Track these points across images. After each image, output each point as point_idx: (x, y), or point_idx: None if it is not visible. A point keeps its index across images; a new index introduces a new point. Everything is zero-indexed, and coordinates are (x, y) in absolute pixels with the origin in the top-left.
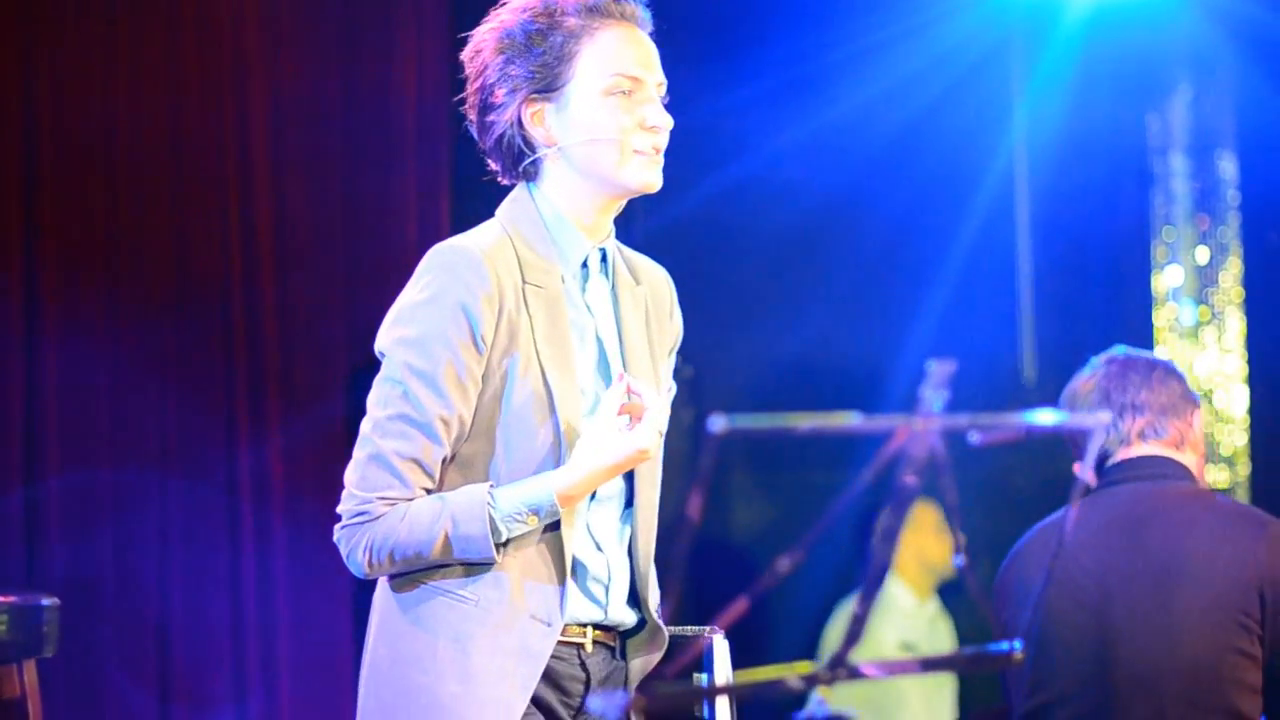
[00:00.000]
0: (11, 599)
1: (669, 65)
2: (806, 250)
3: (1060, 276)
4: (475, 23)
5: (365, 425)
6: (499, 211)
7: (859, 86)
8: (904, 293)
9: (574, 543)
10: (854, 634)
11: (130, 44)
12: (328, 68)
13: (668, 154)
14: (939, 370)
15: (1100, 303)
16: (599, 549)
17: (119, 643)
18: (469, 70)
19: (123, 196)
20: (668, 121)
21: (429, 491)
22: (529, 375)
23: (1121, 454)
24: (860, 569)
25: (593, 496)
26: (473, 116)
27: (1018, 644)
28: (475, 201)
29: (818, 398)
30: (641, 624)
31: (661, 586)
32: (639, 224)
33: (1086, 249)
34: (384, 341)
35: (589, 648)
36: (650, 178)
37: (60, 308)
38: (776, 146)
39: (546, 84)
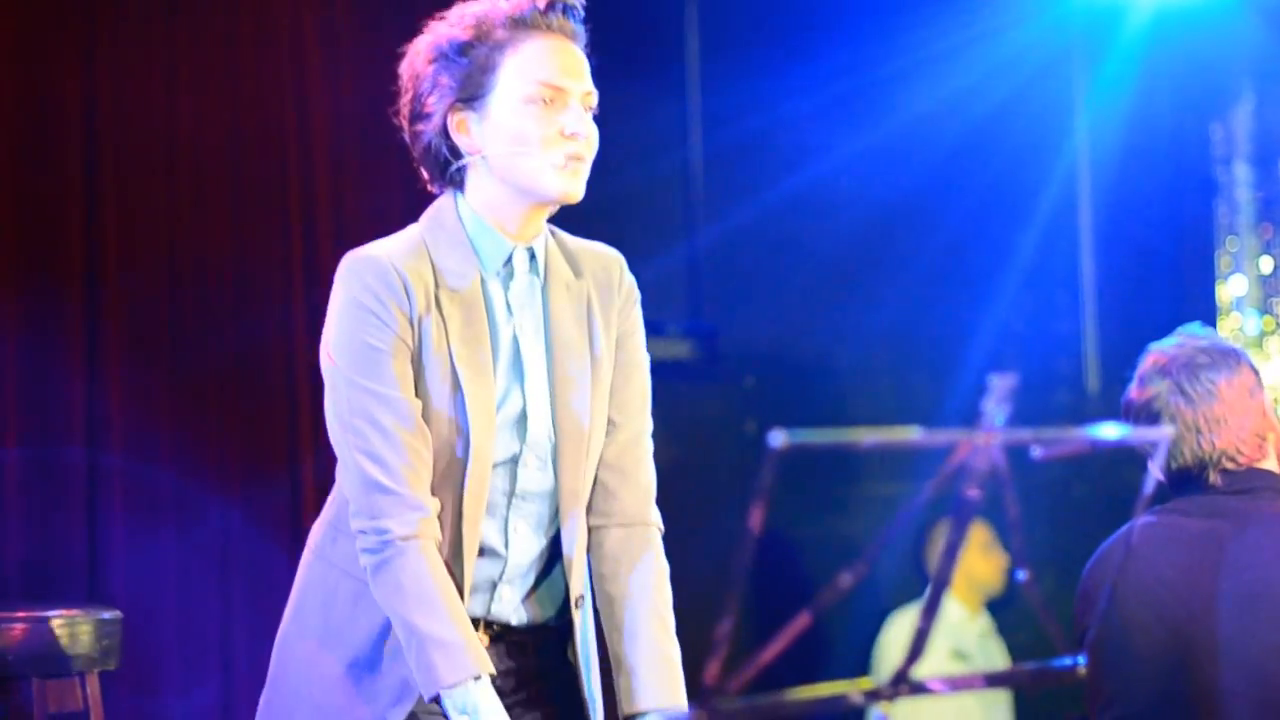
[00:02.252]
0: (74, 612)
1: (732, 76)
2: (867, 260)
3: (1123, 287)
4: None
5: (337, 441)
6: (422, 218)
7: (921, 95)
8: (965, 302)
9: (485, 533)
10: (917, 649)
11: (190, 47)
12: (389, 69)
13: (729, 161)
14: (1001, 384)
15: (1163, 313)
16: (505, 545)
17: (181, 655)
18: (403, 81)
19: (184, 201)
20: (589, 130)
21: (425, 489)
22: (441, 374)
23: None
24: (911, 582)
25: (513, 491)
26: (405, 125)
27: (1081, 659)
28: None
29: (878, 409)
30: (558, 621)
31: (722, 602)
32: (701, 233)
33: (1150, 259)
34: (323, 357)
35: (484, 642)
36: (568, 187)
37: (121, 315)
38: (838, 156)
39: (471, 93)
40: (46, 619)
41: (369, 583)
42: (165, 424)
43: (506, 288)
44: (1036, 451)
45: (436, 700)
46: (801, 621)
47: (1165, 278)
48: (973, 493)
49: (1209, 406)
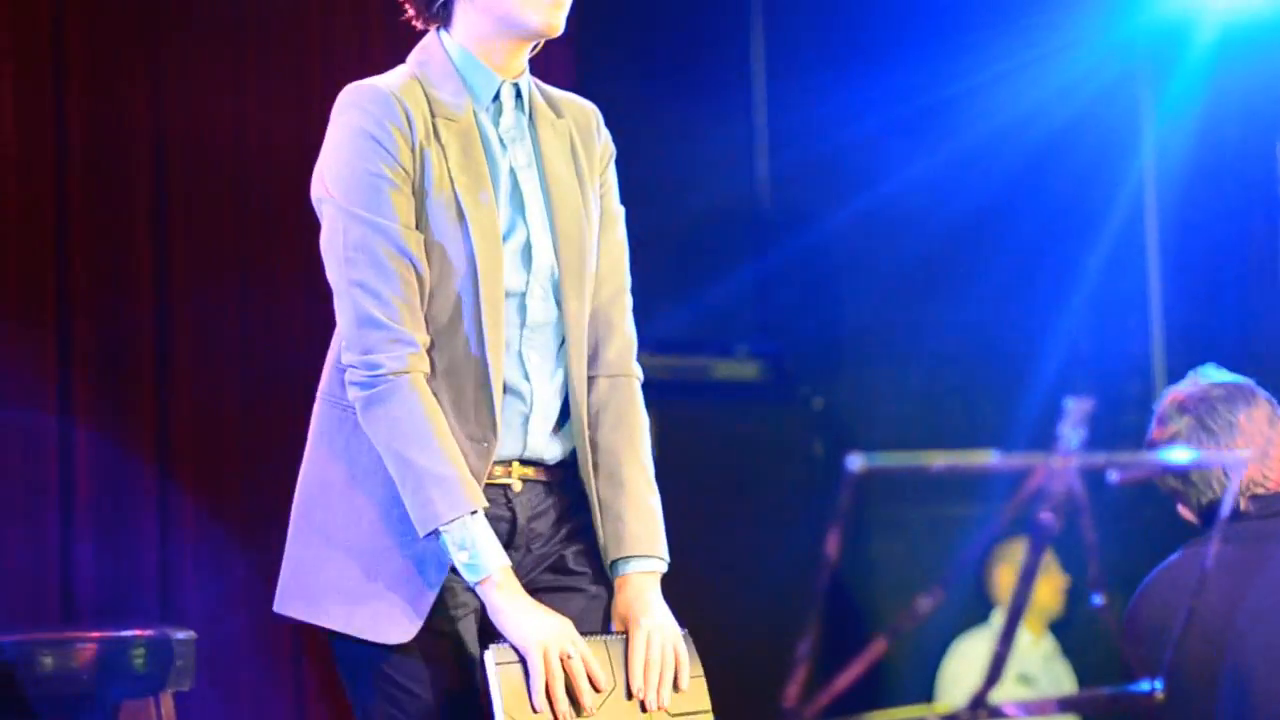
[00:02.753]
0: (148, 632)
1: (798, 96)
2: (934, 280)
3: (1191, 306)
4: (601, 57)
5: (332, 275)
6: (409, 57)
7: (988, 114)
8: (1033, 323)
9: (504, 369)
10: (995, 674)
11: (258, 53)
12: None
13: (796, 182)
14: (1077, 408)
15: (1232, 332)
16: (526, 378)
17: (254, 674)
18: None
19: (252, 206)
20: None
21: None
22: (444, 201)
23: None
24: (971, 606)
25: (523, 322)
26: None
27: (1159, 684)
28: None
29: (946, 430)
30: (574, 456)
31: (801, 625)
32: (769, 253)
33: (1218, 278)
34: (317, 189)
35: (517, 487)
36: (552, 19)
37: (192, 332)
38: (905, 175)
39: None
40: (120, 639)
41: (359, 418)
42: (236, 442)
43: (496, 123)
44: (1113, 476)
45: (434, 535)
46: (878, 647)
47: (1233, 297)
48: (1049, 518)
49: (1231, 439)
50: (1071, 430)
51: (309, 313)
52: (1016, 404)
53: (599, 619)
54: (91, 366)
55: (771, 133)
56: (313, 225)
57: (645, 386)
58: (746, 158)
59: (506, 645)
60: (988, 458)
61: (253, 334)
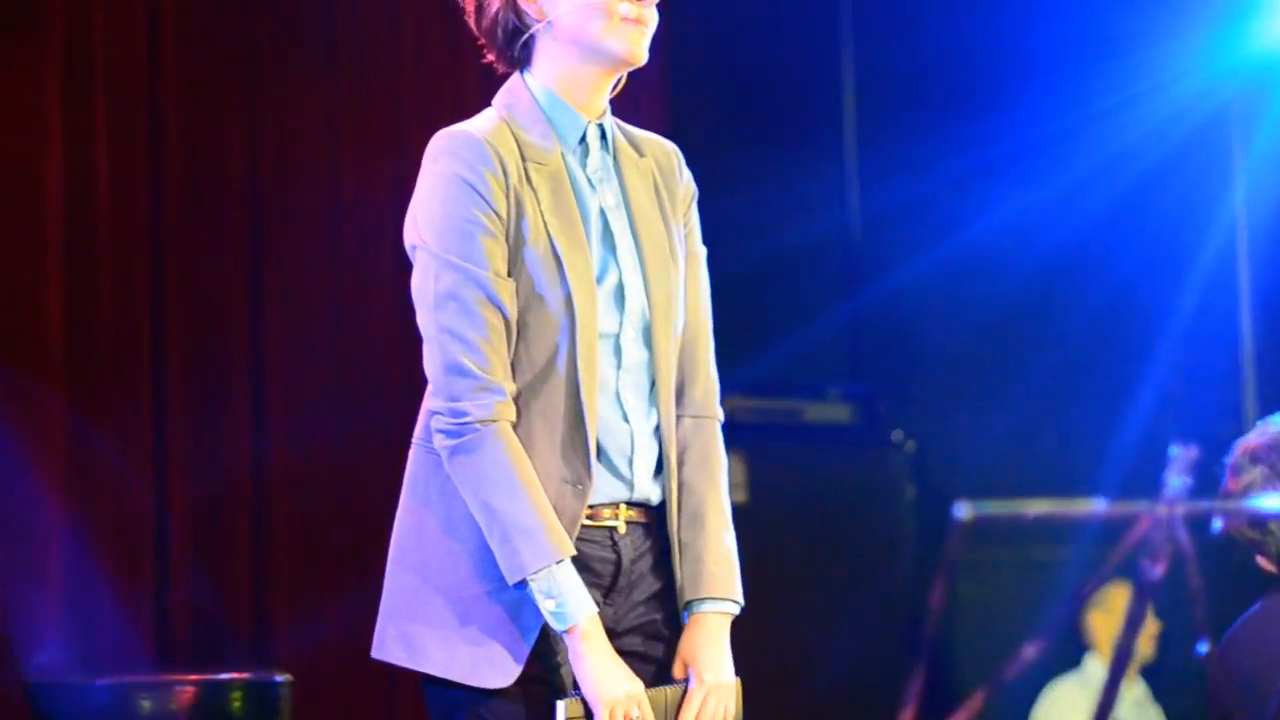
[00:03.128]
0: (245, 676)
1: (889, 138)
2: (1024, 322)
3: None
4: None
5: (423, 320)
6: (494, 100)
7: (1078, 156)
8: (1123, 366)
9: (601, 409)
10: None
11: (353, 99)
12: None
13: (887, 224)
14: (1182, 455)
15: None
16: (625, 420)
17: (349, 718)
18: None
19: (346, 251)
20: None
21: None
22: (538, 245)
23: None
24: (1062, 650)
25: (619, 364)
26: (469, 3)
27: None
28: None
29: (1038, 471)
30: (664, 501)
31: (907, 672)
32: (860, 295)
33: None
34: (410, 235)
35: (622, 529)
36: (634, 49)
37: (287, 377)
38: (995, 218)
39: None
40: (218, 682)
41: (446, 466)
42: (331, 486)
43: (583, 164)
44: (1217, 524)
45: (521, 584)
46: (979, 698)
47: None
48: (1156, 568)
49: None
50: (1177, 478)
51: (402, 358)
52: (1107, 446)
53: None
54: (186, 412)
55: (862, 174)
56: (406, 270)
57: (737, 428)
58: (837, 199)
59: (578, 698)
60: (1093, 505)
61: (348, 378)
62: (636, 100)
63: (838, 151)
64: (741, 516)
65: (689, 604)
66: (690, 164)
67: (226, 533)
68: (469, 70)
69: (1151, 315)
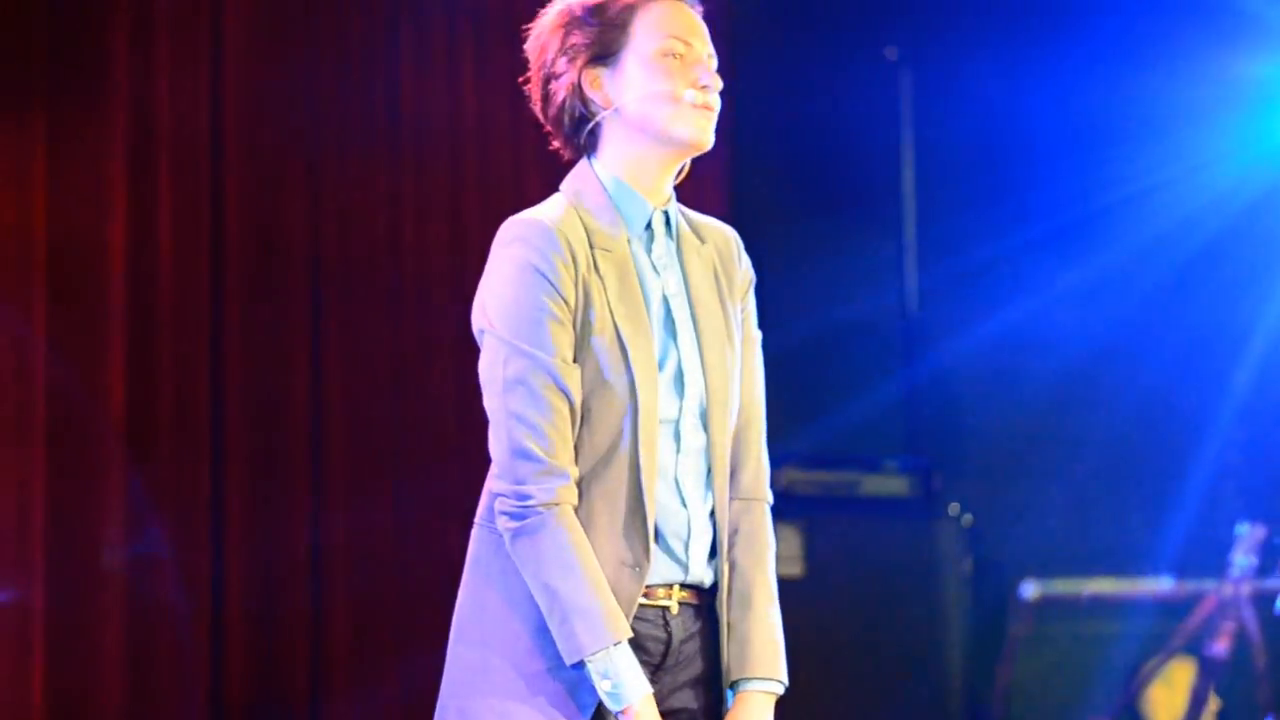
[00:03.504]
0: None
1: (947, 209)
2: (1082, 393)
3: None
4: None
5: (490, 404)
6: (562, 186)
7: (1135, 228)
8: (1179, 440)
9: (659, 494)
10: None
11: (414, 177)
12: None
13: (944, 295)
14: (1250, 534)
15: None
16: (683, 504)
17: None
18: (531, 49)
19: (407, 334)
20: (718, 82)
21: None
22: (604, 332)
23: None
24: None
25: (678, 449)
26: (536, 91)
27: None
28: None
29: (1096, 544)
30: (716, 583)
31: None
32: (917, 366)
33: None
34: (479, 320)
35: (674, 610)
36: (702, 134)
37: (346, 448)
38: (1052, 288)
39: (603, 50)
40: None
41: (507, 547)
42: (390, 559)
43: (648, 250)
44: None
45: (579, 665)
46: None
47: None
48: (1221, 645)
49: None
50: (1243, 556)
51: (460, 423)
52: (1164, 520)
53: None
54: (245, 483)
55: (920, 247)
56: (465, 342)
57: (793, 500)
58: (895, 272)
59: None
60: (1158, 584)
61: (406, 450)
62: (698, 176)
63: (896, 225)
64: (797, 589)
65: (734, 683)
66: (749, 236)
67: (283, 603)
68: (527, 140)
69: (1207, 390)
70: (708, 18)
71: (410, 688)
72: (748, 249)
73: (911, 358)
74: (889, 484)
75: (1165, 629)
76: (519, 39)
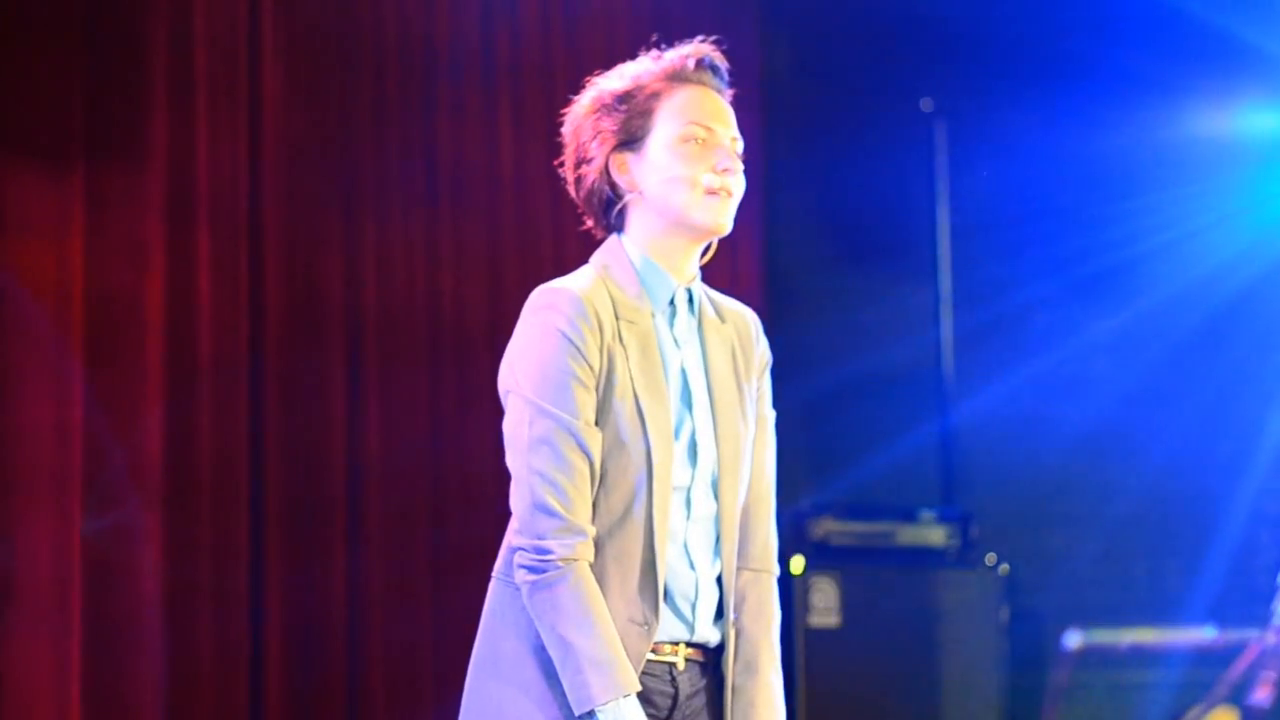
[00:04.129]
0: None
1: (981, 257)
2: (1116, 441)
3: None
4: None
5: (513, 462)
6: (592, 259)
7: (1169, 275)
8: (1215, 486)
9: (669, 557)
10: None
11: (452, 230)
12: None
13: (980, 340)
14: None
15: None
16: (691, 567)
17: None
18: (567, 132)
19: (446, 388)
20: (738, 166)
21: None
22: (625, 399)
23: None
24: None
25: (689, 515)
26: (569, 172)
27: None
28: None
29: (1132, 592)
30: (721, 644)
31: None
32: (952, 414)
33: None
34: (506, 381)
35: (680, 665)
36: (718, 219)
37: (384, 500)
38: (1086, 335)
39: (630, 136)
40: None
41: (525, 600)
42: (423, 608)
43: (671, 324)
44: None
45: (588, 715)
46: None
47: None
48: (1263, 696)
49: None
50: None
51: (497, 472)
52: (1201, 568)
53: None
54: (283, 535)
55: (955, 294)
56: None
57: (830, 551)
58: (931, 319)
59: None
60: (1201, 633)
61: (443, 502)
62: (735, 221)
63: (931, 274)
64: (833, 639)
65: None
66: (785, 284)
67: (322, 657)
68: (564, 189)
69: (1242, 437)
70: (742, 72)
71: None
72: (784, 297)
73: (946, 406)
74: (926, 534)
75: (1206, 678)
76: (555, 90)
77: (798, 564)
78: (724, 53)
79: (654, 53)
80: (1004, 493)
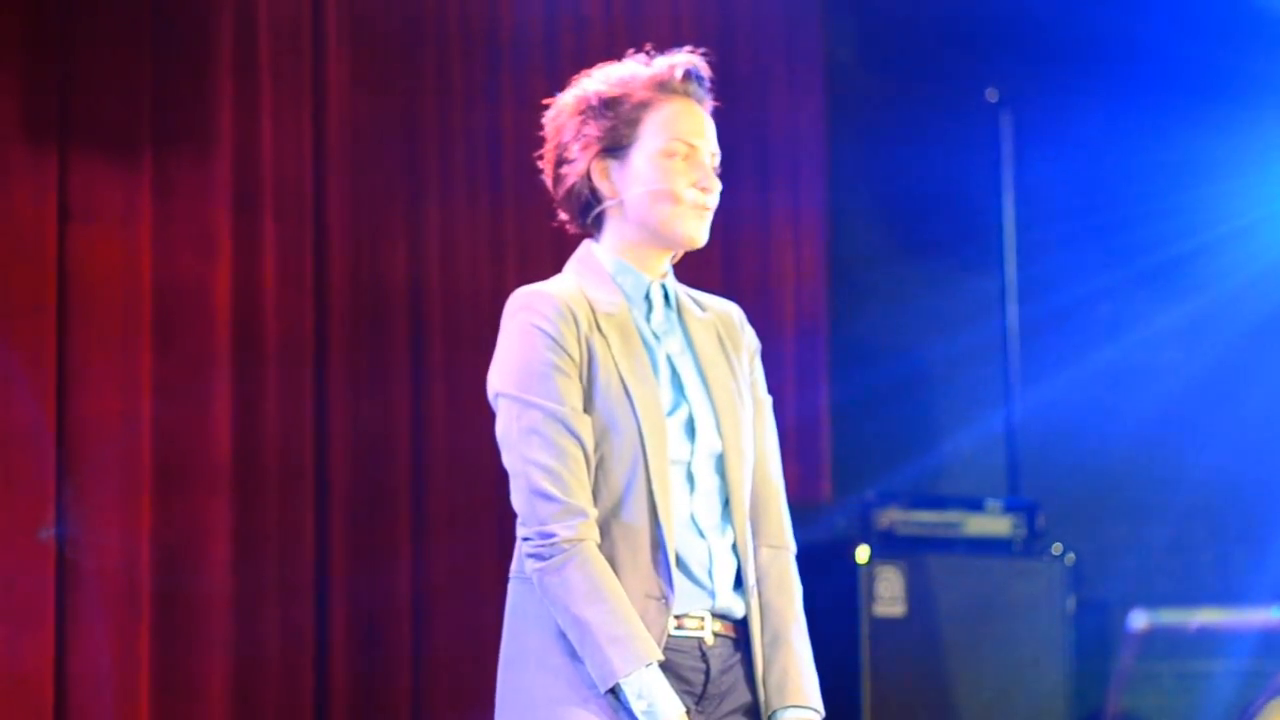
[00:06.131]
0: None
1: (1046, 246)
2: (1182, 430)
3: None
4: (852, 205)
5: (508, 458)
6: (567, 264)
7: (1235, 265)
8: (1272, 480)
9: (676, 530)
10: None
11: (517, 219)
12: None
13: (1046, 329)
14: None
15: None
16: (701, 535)
17: None
18: (549, 128)
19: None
20: (716, 184)
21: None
22: (610, 383)
23: None
24: None
25: (692, 489)
26: (549, 169)
27: None
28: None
29: (1198, 581)
30: (747, 616)
31: None
32: (1017, 404)
33: None
34: (493, 386)
35: (710, 640)
36: (696, 232)
37: (449, 493)
38: (1152, 325)
39: (614, 143)
40: None
41: (537, 587)
42: (489, 600)
43: (648, 319)
44: None
45: (613, 691)
46: None
47: None
48: None
49: None
50: None
51: None
52: (1268, 555)
53: None
54: (349, 526)
55: (1020, 283)
56: None
57: (895, 541)
58: (997, 308)
59: None
60: (1271, 614)
61: (508, 485)
62: (797, 213)
63: (996, 263)
64: (899, 629)
65: (773, 713)
66: (849, 274)
67: (387, 650)
68: None
69: None
70: (806, 63)
71: None
72: (848, 288)
73: (1011, 396)
74: (992, 524)
75: (1270, 667)
76: None
77: (863, 553)
78: (785, 43)
79: (642, 57)
80: (1070, 482)
